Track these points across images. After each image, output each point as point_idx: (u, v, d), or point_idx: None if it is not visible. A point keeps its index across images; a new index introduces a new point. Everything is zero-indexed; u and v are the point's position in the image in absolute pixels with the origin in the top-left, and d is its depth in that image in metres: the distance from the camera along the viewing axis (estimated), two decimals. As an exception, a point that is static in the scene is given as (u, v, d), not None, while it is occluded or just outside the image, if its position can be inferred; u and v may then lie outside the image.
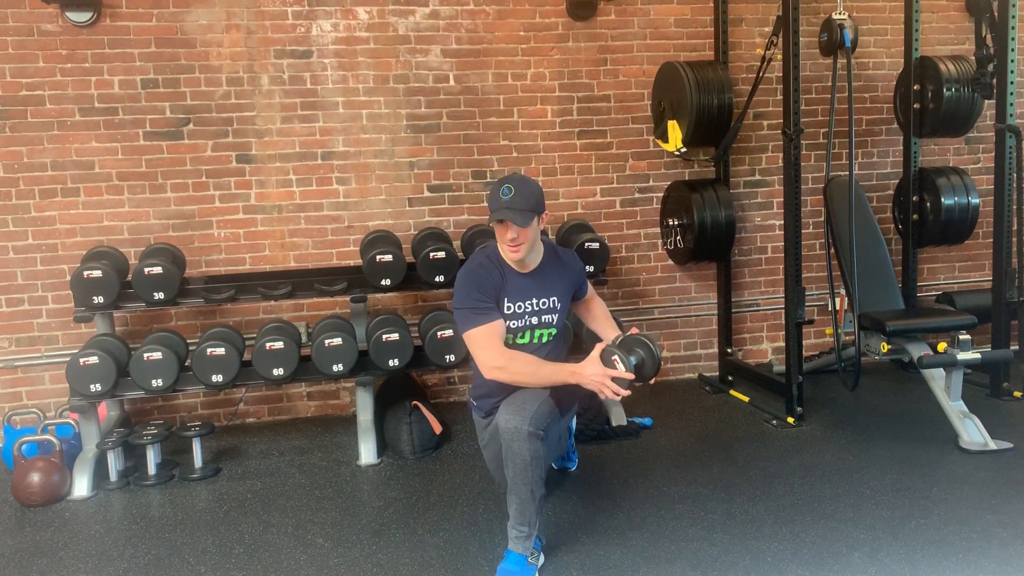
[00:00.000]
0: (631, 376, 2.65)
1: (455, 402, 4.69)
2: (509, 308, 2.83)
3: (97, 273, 3.77)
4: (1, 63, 4.10)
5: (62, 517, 3.38)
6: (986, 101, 4.48)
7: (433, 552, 2.93)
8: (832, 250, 4.33)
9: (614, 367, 2.66)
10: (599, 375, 2.66)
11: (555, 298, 2.90)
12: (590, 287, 3.18)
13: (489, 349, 2.74)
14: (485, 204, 4.23)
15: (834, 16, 3.99)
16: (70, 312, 3.96)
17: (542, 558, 2.78)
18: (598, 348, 2.74)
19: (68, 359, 3.68)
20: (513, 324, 2.84)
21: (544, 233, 4.28)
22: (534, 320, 2.88)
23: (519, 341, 2.87)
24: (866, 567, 2.69)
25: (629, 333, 2.84)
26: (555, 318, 2.92)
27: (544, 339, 2.92)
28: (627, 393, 2.68)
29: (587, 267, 4.14)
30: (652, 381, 2.77)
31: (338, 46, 4.43)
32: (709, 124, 4.42)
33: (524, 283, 2.86)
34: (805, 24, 4.51)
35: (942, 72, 4.51)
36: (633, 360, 2.68)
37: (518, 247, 2.76)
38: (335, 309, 4.49)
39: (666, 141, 4.56)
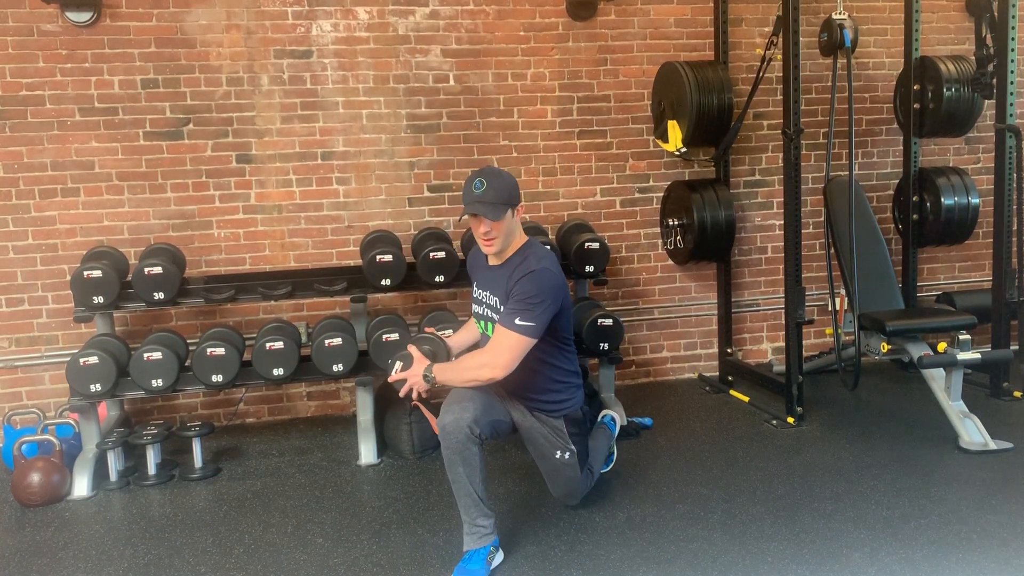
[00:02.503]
0: (393, 378, 2.93)
1: (455, 402, 4.68)
2: (476, 293, 2.98)
3: (97, 273, 3.77)
4: (1, 63, 4.10)
5: (62, 517, 3.38)
6: (986, 101, 4.48)
7: (433, 552, 2.93)
8: (832, 250, 4.33)
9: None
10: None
11: (496, 299, 2.88)
12: (505, 331, 2.70)
13: None
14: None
15: (834, 16, 3.99)
16: (70, 312, 3.96)
17: (500, 556, 2.82)
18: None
19: (68, 359, 3.68)
20: (478, 310, 2.98)
21: (541, 231, 4.30)
22: (490, 313, 2.91)
23: (488, 332, 2.93)
24: (866, 567, 2.69)
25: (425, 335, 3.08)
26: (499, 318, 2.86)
27: None
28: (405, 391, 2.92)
29: (587, 267, 4.16)
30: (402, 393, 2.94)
31: (338, 46, 4.43)
32: (709, 124, 4.42)
33: (489, 273, 2.94)
34: (805, 24, 4.51)
35: (942, 72, 4.51)
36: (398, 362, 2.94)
37: (491, 241, 2.78)
38: (335, 309, 4.49)
39: (666, 141, 4.56)
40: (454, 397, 2.82)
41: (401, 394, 2.89)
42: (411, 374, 2.85)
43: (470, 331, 3.17)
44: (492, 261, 2.91)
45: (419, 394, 2.88)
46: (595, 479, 3.24)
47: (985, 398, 4.27)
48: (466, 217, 2.78)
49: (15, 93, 4.13)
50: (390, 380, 2.89)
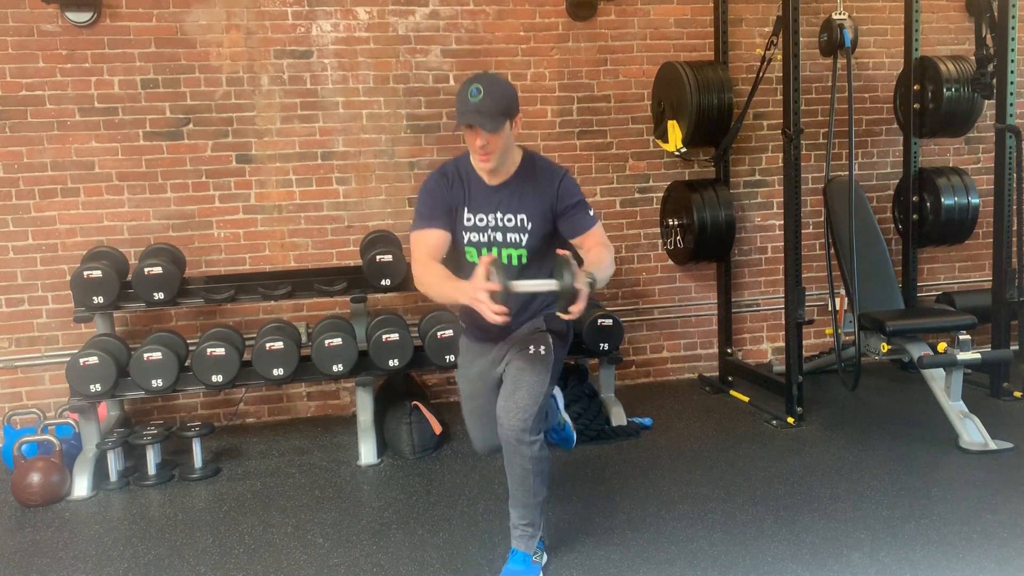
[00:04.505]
0: (496, 287, 2.31)
1: (455, 402, 4.68)
2: (469, 220, 2.59)
3: (97, 273, 3.77)
4: (1, 63, 4.10)
5: (62, 517, 3.38)
6: (986, 101, 4.48)
7: (433, 552, 2.93)
8: (832, 250, 4.33)
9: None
10: (471, 289, 2.32)
11: (523, 216, 2.59)
12: (595, 227, 2.66)
13: (416, 258, 2.57)
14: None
15: (834, 16, 4.00)
16: (70, 312, 3.96)
17: (545, 557, 2.79)
18: (484, 262, 2.37)
19: (68, 359, 3.68)
20: (475, 237, 2.60)
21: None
22: (497, 236, 2.60)
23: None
24: (866, 567, 2.69)
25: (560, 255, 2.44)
26: (523, 239, 2.60)
27: (514, 261, 2.62)
28: (503, 309, 2.30)
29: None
30: (574, 312, 2.33)
31: (338, 46, 4.43)
32: (709, 124, 4.42)
33: (490, 194, 2.60)
34: (805, 24, 4.51)
35: (942, 72, 4.50)
36: (561, 281, 2.33)
37: (488, 155, 2.51)
38: (335, 309, 4.49)
39: (666, 141, 4.55)
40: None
41: (578, 312, 2.33)
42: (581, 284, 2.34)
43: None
44: (491, 181, 2.60)
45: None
46: (548, 431, 3.00)
47: (985, 398, 4.27)
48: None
49: (15, 93, 4.13)
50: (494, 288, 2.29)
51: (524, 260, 2.62)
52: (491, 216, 2.59)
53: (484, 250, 2.60)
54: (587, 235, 2.63)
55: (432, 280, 2.49)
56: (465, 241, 2.62)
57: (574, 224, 2.62)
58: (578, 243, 2.65)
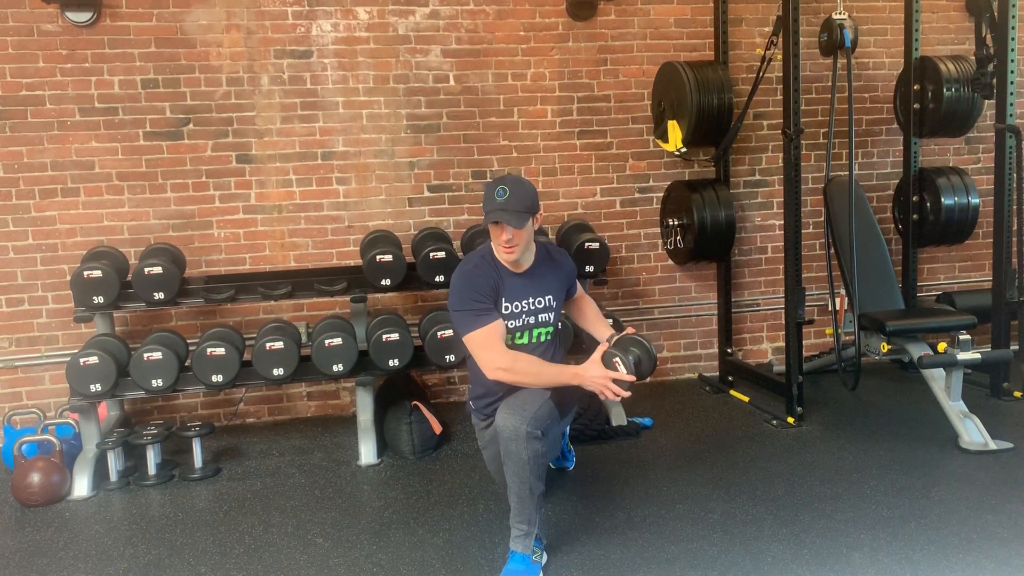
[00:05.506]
0: (633, 378, 2.70)
1: (455, 402, 4.69)
2: (507, 308, 2.83)
3: (97, 273, 3.77)
4: (1, 63, 4.10)
5: (62, 517, 3.38)
6: (986, 101, 4.48)
7: (433, 552, 2.93)
8: (832, 250, 4.33)
9: (616, 369, 2.72)
10: (601, 377, 2.72)
11: (550, 296, 2.93)
12: (579, 286, 3.23)
13: (492, 350, 2.75)
14: (485, 204, 4.21)
15: (834, 16, 3.99)
16: (70, 312, 3.96)
17: (545, 556, 2.80)
18: (599, 350, 2.78)
19: (68, 359, 3.68)
20: (511, 324, 2.84)
21: (543, 233, 4.32)
22: (531, 320, 2.88)
23: (518, 341, 2.87)
24: (866, 567, 2.69)
25: (624, 333, 2.88)
26: (551, 316, 2.94)
27: (542, 338, 2.93)
28: (627, 394, 2.73)
29: (587, 267, 4.17)
30: (647, 379, 2.81)
31: (338, 46, 4.43)
32: (709, 124, 4.42)
33: (520, 283, 2.87)
34: (805, 24, 4.51)
35: (942, 72, 4.51)
36: (631, 360, 2.73)
37: (512, 248, 2.78)
38: (335, 309, 4.49)
39: (666, 141, 4.56)
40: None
41: (621, 398, 2.76)
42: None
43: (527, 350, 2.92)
44: (517, 269, 2.87)
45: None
46: (551, 452, 3.21)
47: (985, 398, 4.27)
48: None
49: (15, 93, 4.13)
50: (629, 379, 2.72)
51: (550, 337, 2.95)
52: (524, 302, 2.86)
53: (518, 334, 2.87)
54: (579, 293, 3.21)
55: (529, 367, 2.76)
56: (509, 330, 2.85)
57: (573, 288, 3.17)
58: (573, 299, 3.19)
